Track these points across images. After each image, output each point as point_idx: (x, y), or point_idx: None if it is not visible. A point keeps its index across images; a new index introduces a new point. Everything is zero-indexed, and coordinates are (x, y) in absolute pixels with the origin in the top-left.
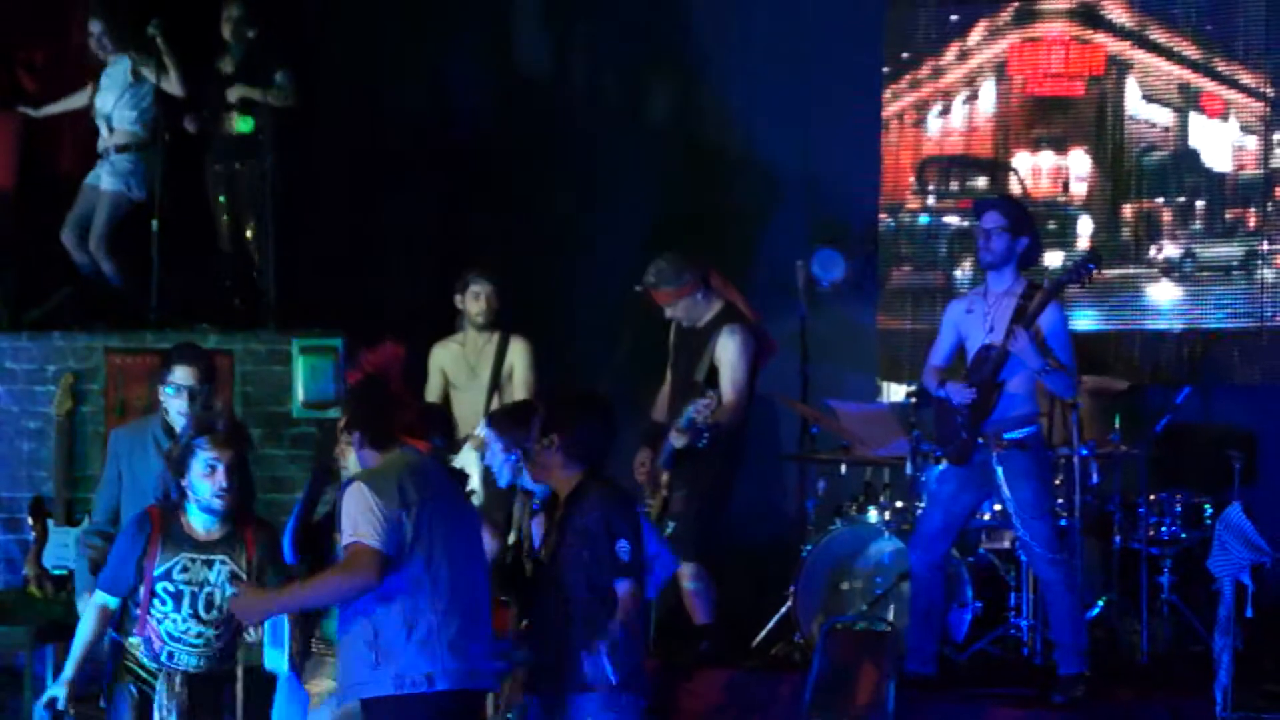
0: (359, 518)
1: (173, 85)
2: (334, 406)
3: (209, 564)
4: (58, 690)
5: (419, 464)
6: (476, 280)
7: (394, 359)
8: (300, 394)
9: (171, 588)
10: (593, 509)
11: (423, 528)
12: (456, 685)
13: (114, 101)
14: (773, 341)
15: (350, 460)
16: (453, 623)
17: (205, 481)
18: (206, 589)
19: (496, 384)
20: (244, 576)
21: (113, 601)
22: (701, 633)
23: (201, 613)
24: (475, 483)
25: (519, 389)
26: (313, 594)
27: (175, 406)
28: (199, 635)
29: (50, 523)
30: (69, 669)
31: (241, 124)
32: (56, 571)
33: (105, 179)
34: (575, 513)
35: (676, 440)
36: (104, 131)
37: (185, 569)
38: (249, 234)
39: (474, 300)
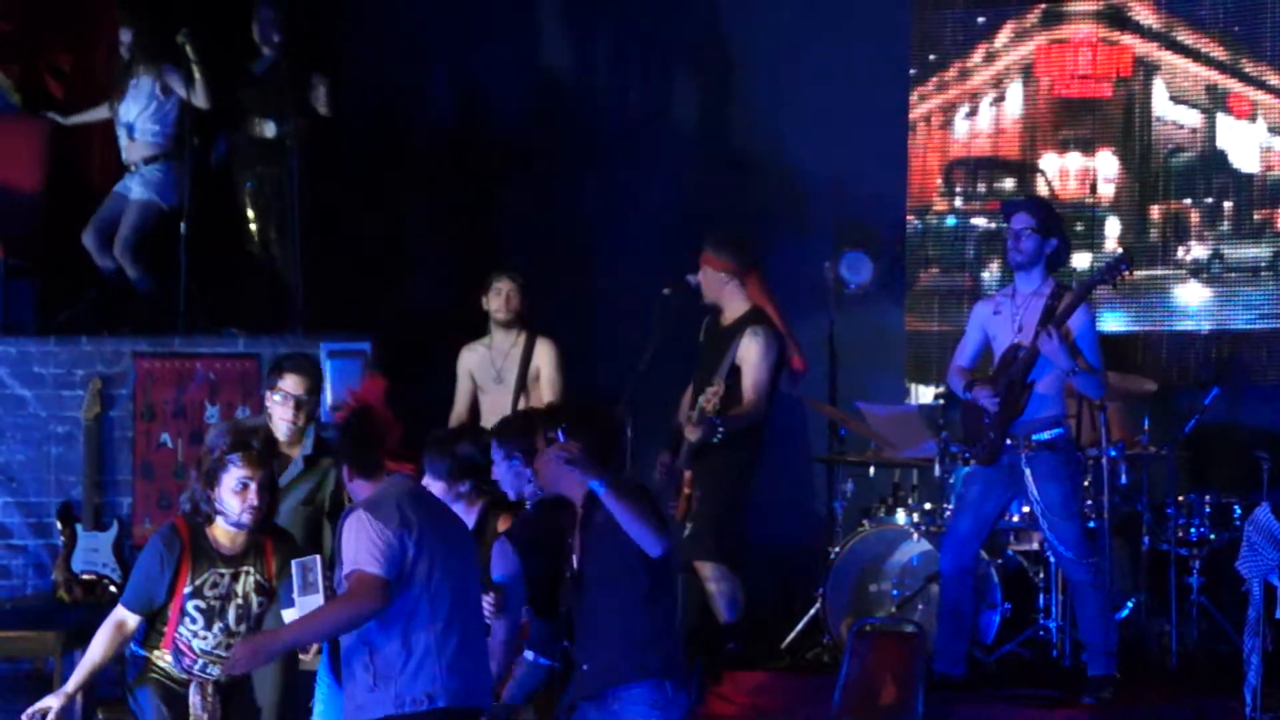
0: (359, 546)
1: (200, 98)
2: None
3: (236, 576)
4: (52, 700)
5: (411, 488)
6: (499, 277)
7: (375, 390)
8: (329, 398)
9: (203, 604)
10: None
11: (421, 548)
12: (456, 703)
13: (138, 113)
14: (799, 356)
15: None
16: (450, 641)
17: (236, 498)
18: (236, 601)
19: (523, 386)
20: (268, 586)
21: (134, 619)
22: (727, 633)
23: (232, 625)
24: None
25: (546, 390)
26: (318, 627)
27: (280, 414)
28: (230, 647)
29: (79, 527)
30: (73, 682)
31: (272, 129)
32: (85, 576)
33: (135, 189)
34: (595, 510)
35: (690, 435)
36: (124, 141)
37: (215, 584)
38: (277, 239)
39: (496, 297)
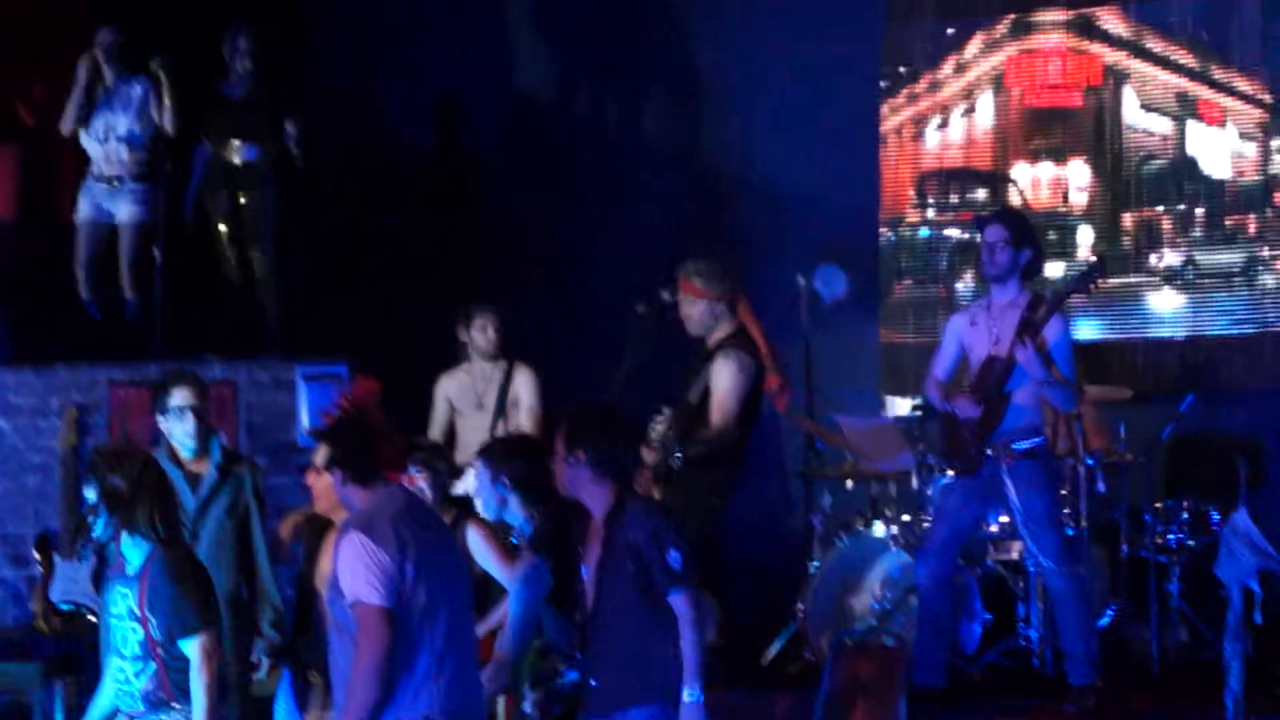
0: (357, 575)
1: (168, 123)
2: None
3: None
4: None
5: (406, 501)
6: (480, 312)
7: (370, 394)
8: (305, 422)
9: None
10: (637, 522)
11: (419, 569)
12: None
13: (127, 125)
14: (779, 379)
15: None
16: (448, 662)
17: None
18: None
19: (502, 411)
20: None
21: None
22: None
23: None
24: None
25: (525, 416)
26: (364, 696)
27: (181, 430)
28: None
29: (56, 557)
30: None
31: (244, 153)
32: (64, 606)
33: (125, 208)
34: (618, 528)
35: (648, 457)
36: (112, 153)
37: None
38: (252, 262)
39: (480, 333)
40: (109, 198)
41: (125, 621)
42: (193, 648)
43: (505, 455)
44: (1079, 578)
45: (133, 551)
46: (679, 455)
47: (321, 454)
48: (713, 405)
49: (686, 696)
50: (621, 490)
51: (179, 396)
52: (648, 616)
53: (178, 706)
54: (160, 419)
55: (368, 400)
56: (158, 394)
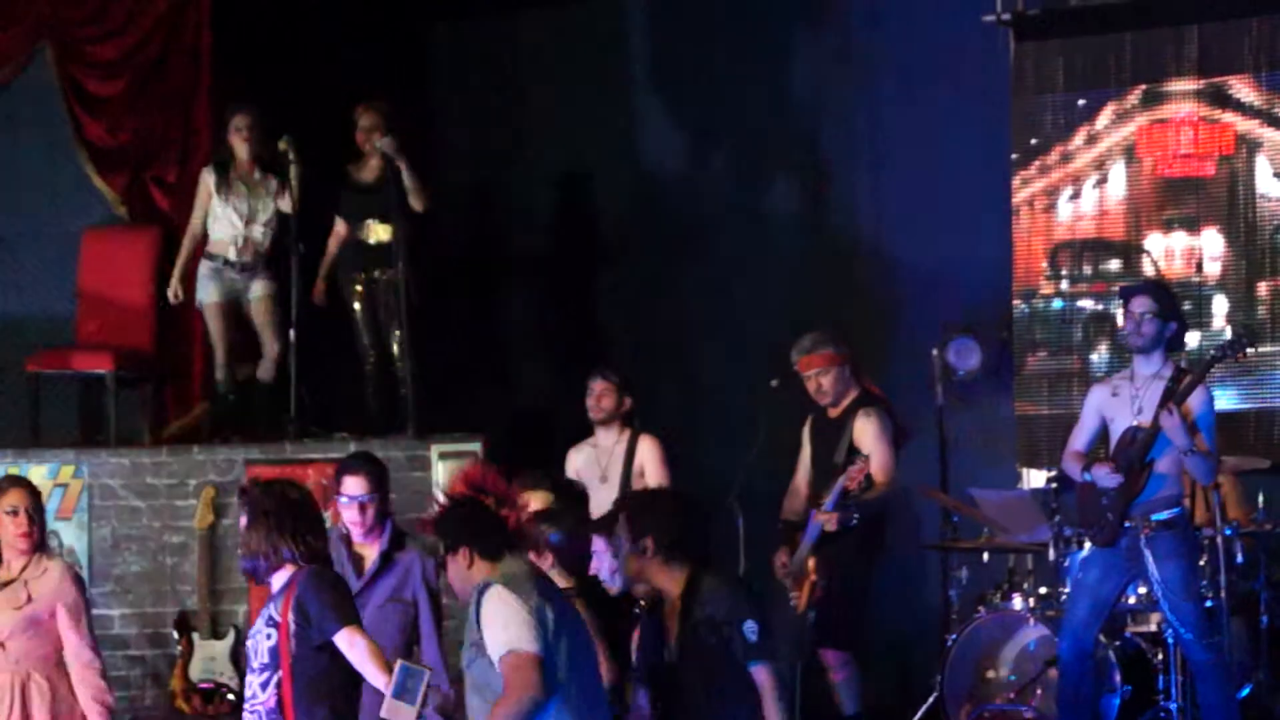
0: (509, 624)
1: (287, 203)
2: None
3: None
4: None
5: (532, 569)
6: (592, 377)
7: (488, 472)
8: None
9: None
10: (713, 597)
11: (560, 624)
12: None
13: (263, 210)
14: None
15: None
16: None
17: None
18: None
19: (628, 484)
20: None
21: None
22: None
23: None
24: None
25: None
26: None
27: (348, 518)
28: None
29: (195, 637)
30: None
31: (381, 233)
32: (203, 686)
33: (257, 287)
34: (694, 605)
35: (826, 523)
36: (256, 236)
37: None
38: (386, 341)
39: (589, 397)
40: (243, 281)
41: (261, 631)
42: (342, 638)
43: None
44: (1219, 649)
45: (279, 575)
46: (856, 516)
47: (440, 542)
48: (874, 465)
49: None
50: (695, 568)
51: (349, 486)
52: (731, 690)
53: None
54: (336, 501)
55: (484, 480)
56: (335, 478)
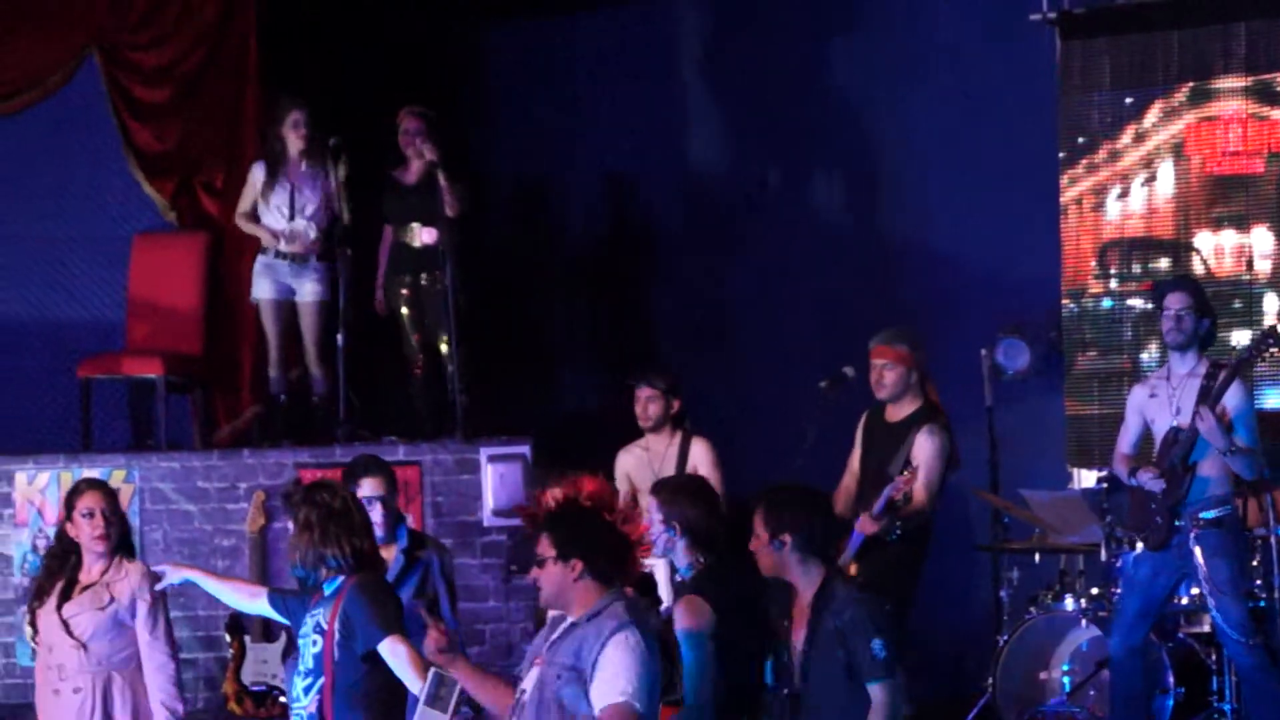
0: (632, 677)
1: (336, 195)
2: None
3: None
4: None
5: (636, 602)
6: (637, 384)
7: (607, 491)
8: (490, 502)
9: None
10: (845, 608)
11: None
12: None
13: (315, 203)
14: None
15: None
16: None
17: None
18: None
19: None
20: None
21: None
22: None
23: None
24: (663, 590)
25: None
26: None
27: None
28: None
29: (247, 639)
30: None
31: (425, 236)
32: (256, 688)
33: (309, 288)
34: (825, 612)
35: (868, 528)
36: (310, 233)
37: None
38: (435, 344)
39: (636, 403)
40: (293, 275)
41: (309, 637)
42: (385, 647)
43: (678, 497)
44: (1264, 649)
45: (330, 583)
46: (898, 530)
47: (547, 543)
48: (919, 483)
49: None
50: (829, 571)
51: (368, 486)
52: (852, 701)
53: None
54: None
55: (606, 499)
56: (346, 481)
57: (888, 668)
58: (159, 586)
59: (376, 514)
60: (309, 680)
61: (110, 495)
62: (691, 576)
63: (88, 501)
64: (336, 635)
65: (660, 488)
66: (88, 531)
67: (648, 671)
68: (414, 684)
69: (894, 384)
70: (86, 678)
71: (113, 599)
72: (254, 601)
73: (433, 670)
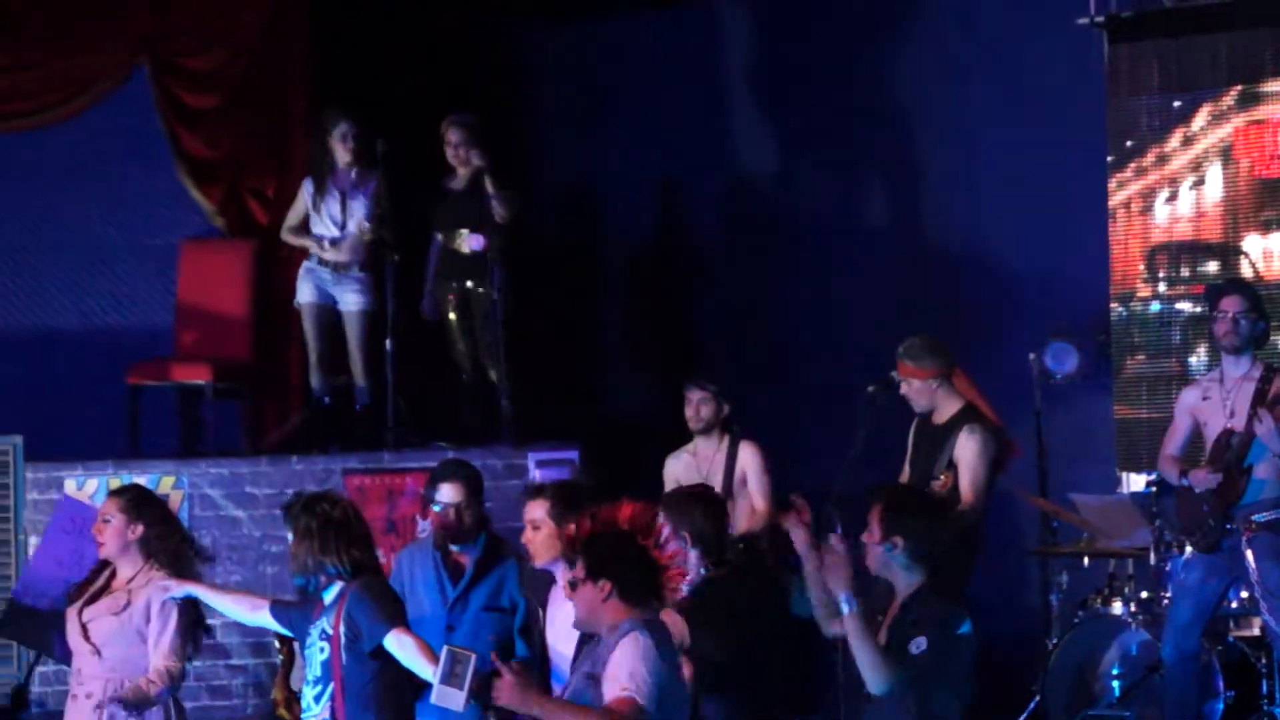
0: (636, 668)
1: (385, 209)
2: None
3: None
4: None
5: (663, 625)
6: (688, 387)
7: (649, 516)
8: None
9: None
10: (915, 607)
11: (669, 702)
12: None
13: (362, 213)
14: (1016, 444)
15: None
16: None
17: None
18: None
19: (730, 492)
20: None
21: None
22: None
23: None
24: None
25: (756, 496)
26: None
27: (438, 522)
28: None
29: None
30: None
31: (473, 242)
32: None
33: (351, 298)
34: (906, 615)
35: None
36: (356, 243)
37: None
38: (482, 350)
39: (687, 407)
40: (334, 283)
41: (315, 645)
42: (391, 640)
43: (688, 507)
44: None
45: (328, 591)
46: None
47: (580, 565)
48: (964, 481)
49: None
50: (928, 579)
51: (445, 492)
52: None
53: None
54: (430, 507)
55: (644, 522)
56: (428, 485)
57: (914, 664)
58: (161, 599)
59: (446, 518)
60: (319, 688)
61: (128, 501)
62: (693, 587)
63: (103, 509)
64: (343, 639)
65: (669, 497)
66: (99, 538)
67: (656, 672)
68: (424, 671)
69: (917, 397)
70: (99, 684)
71: (129, 604)
72: (256, 614)
73: (446, 648)
